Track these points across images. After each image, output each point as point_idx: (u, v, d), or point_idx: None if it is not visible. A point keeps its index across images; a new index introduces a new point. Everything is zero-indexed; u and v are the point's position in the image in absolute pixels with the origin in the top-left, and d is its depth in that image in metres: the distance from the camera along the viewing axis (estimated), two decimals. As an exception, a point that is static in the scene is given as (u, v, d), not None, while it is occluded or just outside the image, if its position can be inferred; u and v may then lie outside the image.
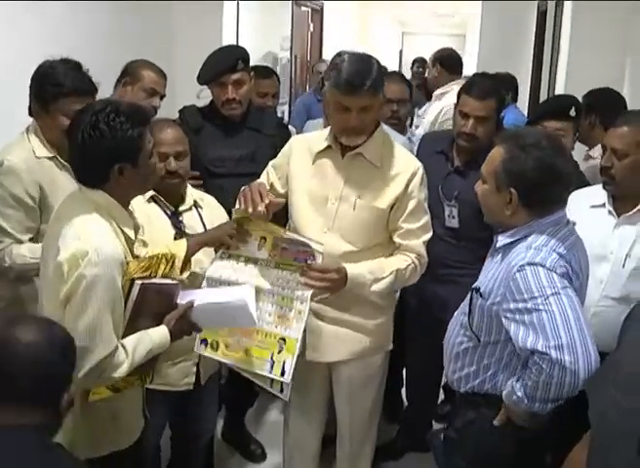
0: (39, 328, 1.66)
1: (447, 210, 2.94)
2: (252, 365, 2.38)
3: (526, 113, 5.24)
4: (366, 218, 2.46)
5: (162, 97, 3.23)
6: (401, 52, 16.66)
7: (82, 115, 1.97)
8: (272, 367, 2.34)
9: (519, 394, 1.97)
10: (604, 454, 1.41)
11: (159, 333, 2.05)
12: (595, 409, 1.52)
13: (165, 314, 2.09)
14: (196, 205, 2.56)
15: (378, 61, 2.42)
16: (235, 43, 5.36)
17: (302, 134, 2.70)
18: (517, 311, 1.95)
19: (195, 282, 2.41)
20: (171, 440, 2.82)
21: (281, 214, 2.59)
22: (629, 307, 1.98)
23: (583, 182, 2.80)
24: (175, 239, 2.41)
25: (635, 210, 2.47)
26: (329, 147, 2.50)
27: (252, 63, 3.28)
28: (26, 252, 2.44)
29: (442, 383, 3.41)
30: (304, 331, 2.34)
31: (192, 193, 2.59)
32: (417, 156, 2.99)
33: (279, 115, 4.44)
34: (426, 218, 2.54)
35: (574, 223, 2.11)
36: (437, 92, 4.89)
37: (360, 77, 2.31)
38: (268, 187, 2.51)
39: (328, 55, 9.03)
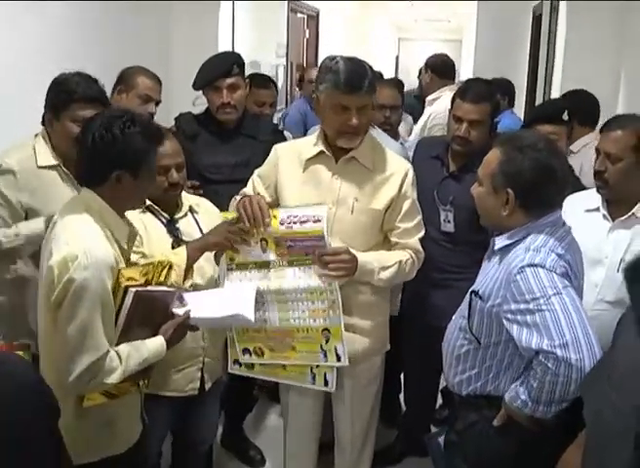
0: None
1: (442, 214, 2.95)
2: (297, 365, 2.46)
3: (522, 117, 5.24)
4: (364, 221, 2.49)
5: (157, 102, 3.23)
6: (397, 57, 16.71)
7: (99, 116, 2.02)
8: (326, 355, 2.42)
9: (523, 397, 1.97)
10: (599, 454, 1.41)
11: (155, 343, 2.06)
12: (590, 408, 1.52)
13: (160, 322, 2.10)
14: (192, 210, 2.56)
15: (369, 65, 2.46)
16: (231, 50, 5.38)
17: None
18: (519, 312, 1.96)
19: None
20: (172, 446, 2.81)
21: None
22: (624, 311, 1.99)
23: (579, 186, 2.81)
24: (172, 247, 2.41)
25: (629, 214, 2.48)
26: (320, 153, 2.51)
27: (247, 70, 3.29)
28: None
29: (440, 387, 3.41)
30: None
31: (187, 199, 2.58)
32: (412, 161, 3.04)
33: (275, 122, 4.45)
34: (419, 217, 2.59)
35: (569, 227, 2.12)
36: (429, 97, 4.89)
37: (359, 76, 2.36)
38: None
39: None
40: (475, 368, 2.15)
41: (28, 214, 2.51)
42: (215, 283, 2.51)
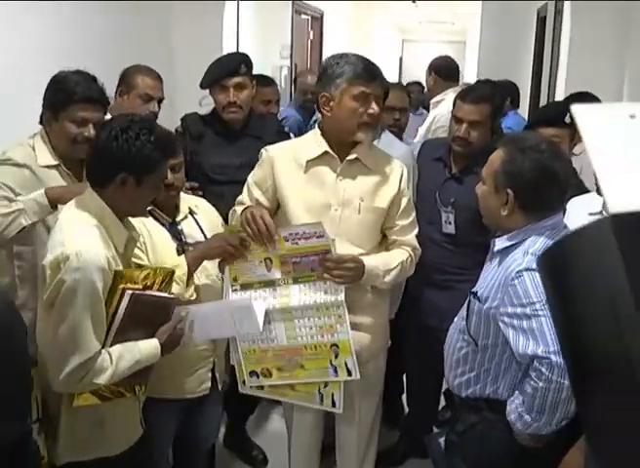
0: None
1: (444, 216, 2.96)
2: (306, 383, 2.44)
3: (526, 119, 5.25)
4: (371, 220, 2.51)
5: (160, 100, 3.20)
6: (401, 59, 16.72)
7: (120, 118, 2.05)
8: (336, 371, 2.40)
9: (520, 409, 1.98)
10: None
11: (149, 345, 2.07)
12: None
13: (157, 327, 2.11)
14: (191, 212, 2.55)
15: None
16: (235, 51, 5.39)
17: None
18: (515, 316, 1.95)
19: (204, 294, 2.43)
20: (173, 446, 2.81)
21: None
22: None
23: (583, 189, 2.80)
24: (177, 251, 2.41)
25: None
26: (324, 154, 2.50)
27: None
28: None
29: (442, 389, 3.41)
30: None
31: (186, 200, 2.56)
32: (417, 163, 3.08)
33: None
34: (414, 214, 2.64)
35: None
36: (433, 100, 4.91)
37: (374, 65, 2.44)
38: (253, 203, 2.53)
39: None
40: (474, 370, 2.15)
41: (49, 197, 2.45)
42: (220, 288, 2.50)
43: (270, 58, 7.34)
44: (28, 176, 2.45)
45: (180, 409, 2.51)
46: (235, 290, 2.44)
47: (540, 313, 1.91)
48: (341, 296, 2.36)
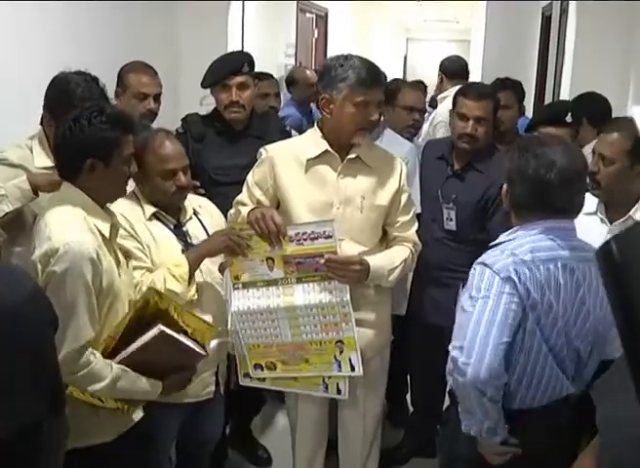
0: None
1: (445, 213, 2.99)
2: (310, 377, 2.47)
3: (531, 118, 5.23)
4: (372, 218, 2.53)
5: (157, 96, 3.12)
6: (405, 57, 16.69)
7: (73, 112, 2.08)
8: (340, 366, 2.42)
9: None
10: (614, 460, 1.40)
11: (152, 384, 2.11)
12: (604, 414, 1.51)
13: (173, 369, 2.15)
14: (195, 213, 2.54)
15: None
16: (240, 49, 5.38)
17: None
18: (460, 307, 2.00)
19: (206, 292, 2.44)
20: (176, 446, 2.82)
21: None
22: None
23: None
24: (183, 253, 2.40)
25: (626, 216, 2.47)
26: (324, 153, 2.50)
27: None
28: None
29: (447, 388, 3.40)
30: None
31: (190, 201, 2.55)
32: (420, 162, 3.10)
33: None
34: (414, 209, 2.67)
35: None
36: (439, 96, 5.03)
37: (376, 71, 2.45)
38: (254, 204, 2.54)
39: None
40: None
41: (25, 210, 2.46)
42: (222, 288, 2.51)
43: (275, 56, 7.34)
44: (21, 175, 2.43)
45: (183, 412, 2.52)
46: (237, 288, 2.44)
47: (469, 309, 1.94)
48: (347, 296, 2.37)
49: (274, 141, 2.71)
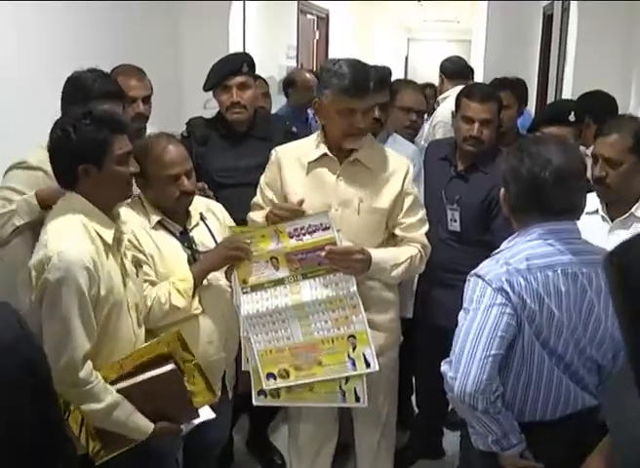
0: None
1: (449, 214, 2.99)
2: (325, 381, 2.42)
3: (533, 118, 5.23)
4: (371, 221, 2.52)
5: (146, 98, 3.03)
6: (407, 58, 16.69)
7: (60, 119, 2.07)
8: (354, 364, 2.38)
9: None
10: (626, 462, 1.39)
11: (145, 423, 2.08)
12: (615, 416, 1.50)
13: (166, 411, 2.12)
14: (202, 218, 2.53)
15: (372, 65, 2.52)
16: (242, 51, 5.38)
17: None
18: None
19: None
20: (183, 450, 2.81)
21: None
22: None
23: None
24: (189, 260, 2.40)
25: (628, 213, 2.46)
26: (323, 156, 2.52)
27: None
28: None
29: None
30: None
31: (196, 205, 2.53)
32: (423, 163, 3.09)
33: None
34: (423, 211, 2.64)
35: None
36: (440, 97, 5.05)
37: (363, 79, 2.39)
38: (268, 205, 2.56)
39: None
40: None
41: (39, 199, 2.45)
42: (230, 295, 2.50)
43: (276, 58, 7.34)
44: (41, 178, 2.45)
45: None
46: (246, 292, 2.43)
47: (461, 322, 1.93)
48: (353, 288, 2.37)
49: (279, 143, 2.72)
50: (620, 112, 3.50)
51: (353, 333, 2.37)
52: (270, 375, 2.44)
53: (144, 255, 2.32)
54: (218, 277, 2.47)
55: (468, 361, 1.86)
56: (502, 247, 2.03)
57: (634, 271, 1.07)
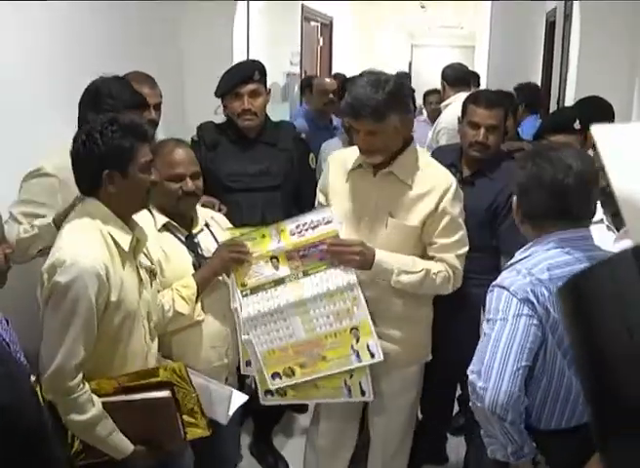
0: None
1: None
2: (330, 375, 2.42)
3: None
4: (396, 237, 2.48)
5: (157, 105, 3.07)
6: (410, 64, 16.71)
7: (85, 125, 2.07)
8: (359, 355, 2.38)
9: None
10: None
11: (126, 444, 2.07)
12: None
13: (142, 440, 2.11)
14: (207, 224, 2.56)
15: (396, 84, 2.40)
16: (246, 58, 5.40)
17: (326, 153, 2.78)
18: (483, 331, 1.97)
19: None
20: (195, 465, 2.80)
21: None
22: None
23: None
24: (194, 265, 2.42)
25: None
26: (360, 166, 2.53)
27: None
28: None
29: (456, 395, 3.41)
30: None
31: (202, 214, 2.58)
32: None
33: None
34: (461, 233, 2.54)
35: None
36: (443, 104, 5.08)
37: (361, 102, 2.35)
38: None
39: (337, 69, 9.07)
40: None
41: (56, 222, 2.46)
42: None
43: (280, 64, 7.37)
44: (57, 186, 2.47)
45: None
46: (246, 295, 2.43)
47: (487, 331, 1.92)
48: (353, 278, 2.36)
49: (287, 149, 2.74)
50: (621, 119, 3.51)
51: (356, 325, 2.37)
52: (276, 375, 2.45)
53: (152, 263, 2.32)
54: (219, 279, 2.48)
55: (500, 372, 1.85)
56: (518, 256, 2.02)
57: (593, 302, 1.02)
